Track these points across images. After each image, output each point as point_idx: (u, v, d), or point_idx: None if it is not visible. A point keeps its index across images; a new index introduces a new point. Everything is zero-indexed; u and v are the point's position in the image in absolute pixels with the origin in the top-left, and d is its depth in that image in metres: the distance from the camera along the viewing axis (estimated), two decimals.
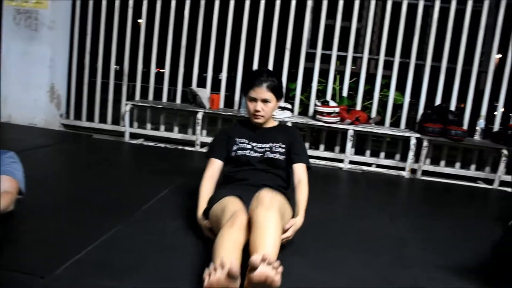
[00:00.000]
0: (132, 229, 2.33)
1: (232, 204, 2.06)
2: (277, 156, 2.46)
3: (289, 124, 4.61)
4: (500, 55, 5.23)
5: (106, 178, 3.38)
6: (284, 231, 2.07)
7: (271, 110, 2.49)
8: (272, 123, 2.62)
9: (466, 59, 5.07)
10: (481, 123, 4.97)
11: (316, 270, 2.08)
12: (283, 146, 2.50)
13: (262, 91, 2.41)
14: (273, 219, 1.84)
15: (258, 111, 2.44)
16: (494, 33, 4.97)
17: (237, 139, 2.50)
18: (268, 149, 2.46)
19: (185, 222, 2.45)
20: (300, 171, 2.47)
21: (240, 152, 2.45)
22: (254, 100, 2.44)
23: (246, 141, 2.49)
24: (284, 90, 2.61)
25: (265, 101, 2.43)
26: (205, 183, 2.43)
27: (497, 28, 4.93)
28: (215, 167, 2.49)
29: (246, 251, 1.79)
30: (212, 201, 2.23)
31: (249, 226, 1.89)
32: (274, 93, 2.44)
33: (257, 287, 1.50)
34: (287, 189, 2.52)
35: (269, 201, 1.93)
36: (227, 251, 1.69)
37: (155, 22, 5.24)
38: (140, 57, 5.33)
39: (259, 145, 2.48)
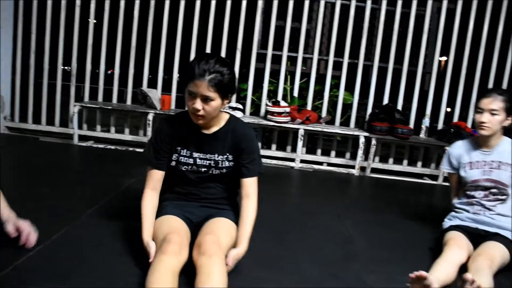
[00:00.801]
0: (78, 233, 2.28)
1: (168, 226, 1.96)
2: (224, 171, 2.12)
3: None
4: (445, 58, 5.44)
5: (52, 181, 3.28)
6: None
7: (214, 110, 1.94)
8: (219, 123, 2.10)
9: (411, 61, 5.26)
10: (426, 122, 5.16)
11: (263, 267, 2.11)
12: (230, 157, 2.11)
13: (203, 86, 1.86)
14: (217, 268, 1.70)
15: (197, 110, 1.91)
16: (437, 36, 5.18)
17: (178, 148, 2.10)
18: (213, 164, 2.10)
19: (133, 225, 2.39)
20: (248, 185, 2.10)
21: (180, 167, 2.11)
22: (193, 96, 1.90)
23: (188, 152, 2.10)
24: (236, 84, 2.05)
25: (206, 99, 1.89)
26: (148, 199, 2.09)
27: (439, 31, 5.15)
28: (156, 178, 2.12)
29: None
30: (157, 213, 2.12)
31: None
32: (219, 91, 1.89)
33: None
34: (236, 195, 2.29)
35: (212, 249, 1.77)
36: (159, 282, 1.62)
37: (104, 21, 5.13)
38: (88, 58, 5.20)
39: (203, 156, 2.10)
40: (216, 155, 2.10)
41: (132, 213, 2.51)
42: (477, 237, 2.38)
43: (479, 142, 2.56)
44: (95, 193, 3.01)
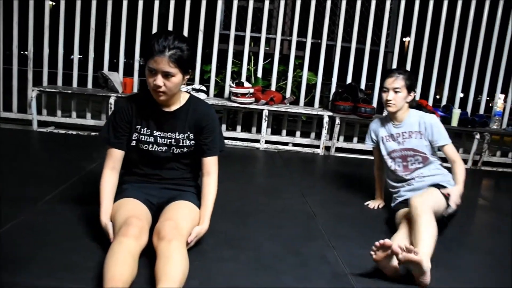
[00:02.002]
0: (35, 219, 2.22)
1: (128, 209, 1.93)
2: (185, 150, 2.11)
3: None
4: (408, 38, 5.50)
5: (9, 168, 3.17)
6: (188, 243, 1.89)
7: (175, 86, 1.94)
8: (179, 101, 2.09)
9: (373, 40, 5.32)
10: None
11: (224, 246, 2.11)
12: (192, 136, 2.11)
13: (164, 62, 1.85)
14: (177, 252, 1.67)
15: (158, 86, 1.89)
16: (398, 16, 5.24)
17: (138, 127, 2.08)
18: (174, 143, 2.09)
19: (91, 210, 2.32)
20: (209, 164, 2.13)
21: (141, 145, 2.08)
22: (154, 72, 1.89)
23: (149, 131, 2.07)
24: (196, 62, 1.99)
25: (167, 75, 1.89)
26: (107, 179, 2.07)
27: (400, 11, 5.21)
28: (115, 157, 2.09)
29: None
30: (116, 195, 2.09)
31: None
32: (180, 67, 1.89)
33: None
34: (197, 177, 2.27)
35: (172, 234, 1.75)
36: (118, 264, 1.60)
37: (61, 2, 4.96)
38: (46, 41, 5.03)
39: (163, 134, 2.08)
40: (176, 134, 2.09)
41: (93, 197, 2.45)
42: None
43: (391, 117, 2.80)
44: (55, 178, 2.93)
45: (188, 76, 2.00)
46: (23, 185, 2.79)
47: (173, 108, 2.08)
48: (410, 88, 2.67)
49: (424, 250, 1.90)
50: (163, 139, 2.08)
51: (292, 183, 3.58)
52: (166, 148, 2.09)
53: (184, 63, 1.91)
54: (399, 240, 2.09)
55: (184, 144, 2.10)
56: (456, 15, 5.22)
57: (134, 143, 2.09)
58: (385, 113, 4.97)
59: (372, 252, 1.82)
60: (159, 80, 1.89)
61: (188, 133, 2.10)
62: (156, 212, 2.04)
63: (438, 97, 7.05)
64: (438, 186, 2.54)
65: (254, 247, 2.16)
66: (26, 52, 5.05)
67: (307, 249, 2.20)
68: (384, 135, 2.82)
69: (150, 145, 2.08)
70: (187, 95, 2.13)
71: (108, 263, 1.59)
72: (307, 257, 2.09)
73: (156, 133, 2.08)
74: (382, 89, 2.70)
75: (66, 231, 2.10)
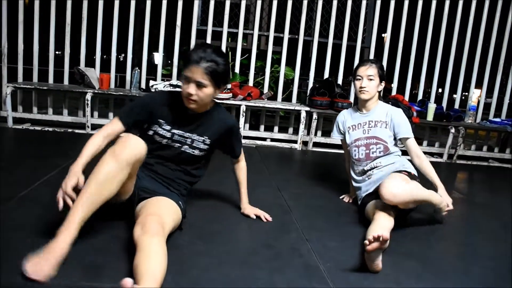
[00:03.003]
0: (6, 216, 2.19)
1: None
2: (196, 152, 2.20)
3: None
4: (386, 34, 5.56)
5: None
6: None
7: (207, 97, 2.04)
8: (206, 107, 2.18)
9: (350, 36, 5.37)
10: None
11: (200, 241, 2.12)
12: (207, 142, 2.21)
13: (198, 73, 1.95)
14: (158, 247, 1.68)
15: (190, 94, 1.99)
16: (374, 11, 5.30)
17: (161, 120, 2.15)
18: (188, 142, 2.18)
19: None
20: (240, 158, 2.55)
21: (156, 137, 2.16)
22: (188, 80, 1.99)
23: (169, 127, 2.15)
24: (229, 75, 2.22)
25: (199, 85, 1.98)
26: (95, 141, 2.04)
27: (376, 7, 5.27)
28: (115, 129, 2.11)
29: None
30: None
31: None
32: (213, 79, 1.99)
33: None
34: (193, 183, 2.36)
35: (155, 229, 1.76)
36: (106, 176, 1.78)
37: None
38: (20, 36, 4.95)
39: (182, 133, 2.16)
40: (195, 135, 2.18)
41: None
42: None
43: (359, 107, 2.89)
44: (28, 176, 2.89)
45: (219, 90, 2.11)
46: None
47: (200, 111, 2.17)
48: (382, 77, 2.76)
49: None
50: (179, 137, 2.17)
51: (269, 178, 3.60)
52: (179, 145, 2.18)
53: (217, 77, 2.00)
54: (377, 230, 2.10)
55: (197, 146, 2.19)
56: (431, 10, 5.30)
57: (151, 132, 2.17)
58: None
59: (367, 242, 1.82)
60: (192, 89, 1.99)
61: (206, 137, 2.20)
62: (139, 199, 2.08)
63: (414, 92, 7.15)
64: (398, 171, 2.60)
65: (228, 241, 2.17)
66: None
67: (281, 242, 2.22)
68: (351, 124, 2.88)
69: (165, 140, 2.17)
70: (213, 103, 2.23)
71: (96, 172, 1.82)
72: (280, 250, 2.12)
73: (175, 131, 2.16)
74: (356, 77, 2.76)
75: (36, 229, 2.08)
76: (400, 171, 2.60)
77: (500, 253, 2.38)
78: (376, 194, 2.61)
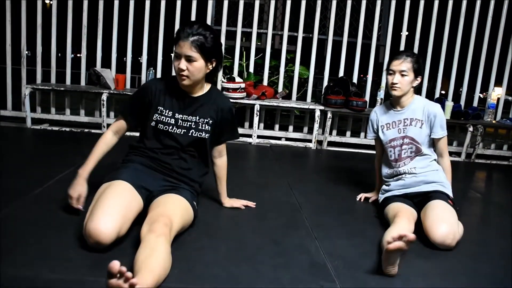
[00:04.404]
0: (20, 213, 2.24)
1: (112, 195, 1.94)
2: (203, 135, 2.21)
3: None
4: (406, 33, 5.49)
5: (0, 164, 3.20)
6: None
7: (198, 71, 2.06)
8: (202, 89, 2.23)
9: (365, 34, 5.32)
10: (381, 94, 5.23)
11: (207, 237, 2.13)
12: (210, 122, 2.22)
13: (187, 47, 2.00)
14: (163, 246, 1.67)
15: (182, 70, 2.04)
16: (390, 9, 5.24)
17: (160, 108, 2.17)
18: (193, 126, 2.19)
19: None
20: (222, 148, 2.47)
21: (161, 126, 2.16)
22: (178, 56, 2.04)
23: (171, 113, 2.17)
24: (222, 51, 2.24)
25: (189, 59, 2.02)
26: (105, 139, 2.23)
27: (391, 4, 5.21)
28: (122, 126, 2.26)
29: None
30: (108, 174, 2.13)
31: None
32: (202, 52, 2.02)
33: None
34: (203, 174, 2.36)
35: (162, 230, 1.75)
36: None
37: (53, 1, 4.98)
38: (38, 39, 5.05)
39: (184, 117, 2.18)
40: (197, 117, 2.20)
41: None
42: (411, 199, 2.56)
43: (393, 103, 2.70)
44: (44, 174, 2.95)
45: (211, 65, 2.13)
46: (12, 180, 2.80)
47: (197, 94, 2.22)
48: (418, 72, 2.55)
49: None
50: (183, 122, 2.19)
51: (281, 176, 3.59)
52: (185, 131, 2.19)
53: (206, 49, 2.03)
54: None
55: (203, 128, 2.21)
56: (448, 7, 5.21)
57: (153, 123, 2.18)
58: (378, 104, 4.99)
59: (390, 240, 1.73)
60: (183, 64, 2.04)
61: (208, 118, 2.22)
62: (152, 199, 2.08)
63: (443, 92, 7.03)
64: (439, 193, 2.48)
65: (236, 237, 2.17)
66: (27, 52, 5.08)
67: (289, 239, 2.21)
68: (385, 123, 2.70)
69: (170, 127, 2.17)
70: (209, 86, 2.28)
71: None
72: (288, 247, 2.11)
73: (177, 115, 2.18)
74: (388, 71, 2.57)
75: (49, 224, 2.12)
76: (444, 195, 2.47)
77: None
78: (402, 197, 2.55)
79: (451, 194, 2.53)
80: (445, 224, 2.21)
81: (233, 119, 2.39)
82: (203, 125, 2.20)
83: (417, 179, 2.57)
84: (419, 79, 2.58)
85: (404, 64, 2.51)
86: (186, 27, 2.03)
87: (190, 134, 2.19)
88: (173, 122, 2.17)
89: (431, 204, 2.38)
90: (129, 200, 1.97)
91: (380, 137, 2.74)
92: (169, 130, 2.17)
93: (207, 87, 2.25)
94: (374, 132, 2.80)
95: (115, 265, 1.30)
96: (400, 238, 1.71)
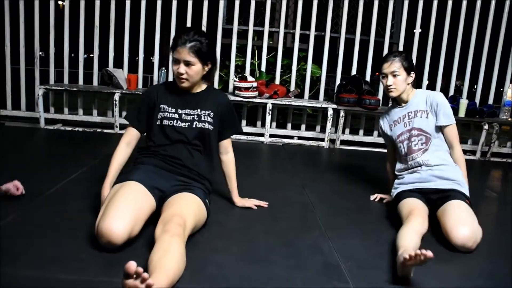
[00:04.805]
0: (32, 213, 2.25)
1: (127, 195, 1.96)
2: (206, 125, 2.28)
3: None
4: (419, 30, 5.43)
5: (13, 164, 3.22)
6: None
7: (196, 74, 2.23)
8: (201, 87, 2.38)
9: (378, 31, 5.26)
10: None
11: (219, 238, 2.12)
12: (212, 114, 2.32)
13: (185, 53, 2.16)
14: (177, 247, 1.68)
15: (181, 73, 2.20)
16: (403, 6, 5.18)
17: (163, 106, 2.28)
18: (196, 118, 2.28)
19: (91, 203, 2.38)
20: (226, 144, 2.50)
21: (165, 122, 2.25)
22: (177, 62, 2.21)
23: (173, 109, 2.28)
24: (216, 54, 2.41)
25: (188, 63, 2.18)
26: (119, 151, 2.29)
27: (404, 2, 5.15)
28: (133, 134, 2.33)
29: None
30: (120, 176, 2.18)
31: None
32: (199, 57, 2.18)
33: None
34: (211, 171, 2.39)
35: (177, 230, 1.77)
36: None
37: (65, 2, 5.00)
38: (51, 40, 5.08)
39: (187, 111, 2.28)
40: (199, 110, 2.31)
41: (94, 191, 2.47)
42: (424, 196, 2.52)
43: (397, 101, 2.75)
44: (57, 174, 2.96)
45: (208, 67, 2.29)
46: (24, 181, 2.80)
47: (196, 91, 2.37)
48: (409, 68, 2.60)
49: None
50: (187, 116, 2.28)
51: (294, 176, 3.57)
52: (189, 123, 2.27)
53: (202, 54, 2.20)
54: (412, 241, 1.99)
55: (206, 120, 2.30)
56: (462, 3, 5.13)
57: (158, 122, 2.27)
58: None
59: (408, 257, 1.68)
60: (182, 68, 2.20)
61: (210, 111, 2.33)
62: (165, 199, 2.10)
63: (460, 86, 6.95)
64: (458, 193, 2.44)
65: (248, 238, 2.16)
66: (41, 53, 5.12)
67: (302, 240, 2.19)
68: (392, 121, 2.75)
69: (175, 121, 2.26)
70: (206, 85, 2.42)
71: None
72: (301, 247, 2.09)
73: (180, 111, 2.29)
74: (381, 75, 2.64)
75: (62, 225, 2.13)
76: (461, 194, 2.44)
77: None
78: (418, 193, 2.52)
79: (468, 194, 2.49)
80: (466, 226, 2.17)
81: (233, 112, 2.49)
82: (205, 117, 2.30)
83: (433, 173, 2.54)
84: (412, 74, 2.63)
85: (393, 65, 2.57)
86: (183, 34, 2.18)
87: (194, 126, 2.27)
88: (177, 117, 2.27)
89: (451, 204, 2.33)
90: (142, 200, 1.99)
91: (391, 138, 2.77)
92: (174, 124, 2.26)
93: (204, 86, 2.40)
94: (385, 133, 2.85)
95: (132, 265, 1.31)
96: (418, 256, 1.66)
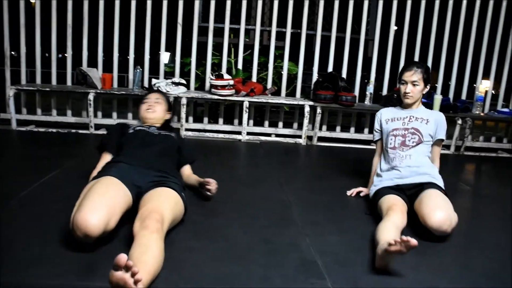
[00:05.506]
0: (4, 216, 2.19)
1: (102, 188, 1.96)
2: (170, 133, 2.61)
3: (183, 100, 4.60)
4: (395, 27, 5.47)
5: None
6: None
7: (161, 113, 2.73)
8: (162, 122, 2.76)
9: (353, 28, 5.30)
10: (370, 88, 5.23)
11: (194, 237, 2.10)
12: (173, 135, 2.64)
13: (153, 98, 2.76)
14: (157, 243, 1.68)
15: (149, 112, 2.69)
16: (378, 3, 5.22)
17: (134, 125, 2.61)
18: (162, 133, 2.57)
19: (65, 206, 2.27)
20: (189, 170, 2.75)
21: (138, 127, 2.54)
22: (147, 103, 2.71)
23: (143, 126, 2.59)
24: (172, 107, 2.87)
25: (156, 105, 2.72)
26: (99, 165, 2.38)
27: None
28: (106, 159, 2.43)
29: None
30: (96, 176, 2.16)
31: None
32: (168, 103, 2.83)
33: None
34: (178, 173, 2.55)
35: (155, 226, 1.76)
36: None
37: (36, 0, 4.90)
38: (22, 40, 4.97)
39: (153, 130, 2.57)
40: (162, 131, 2.61)
41: (68, 193, 2.41)
42: (403, 192, 2.57)
43: (403, 107, 2.87)
44: (30, 176, 2.89)
45: (169, 113, 2.81)
46: None
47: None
48: (427, 81, 2.73)
49: None
50: (140, 127, 2.58)
51: (272, 173, 3.56)
52: (156, 133, 2.53)
53: (169, 103, 2.86)
54: (392, 234, 1.99)
55: (169, 134, 2.60)
56: (435, 1, 5.21)
57: (132, 130, 2.51)
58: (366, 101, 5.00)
59: (393, 242, 1.73)
60: (150, 108, 2.71)
61: (171, 133, 2.65)
62: (141, 194, 2.09)
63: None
64: (433, 184, 2.53)
65: (224, 237, 2.14)
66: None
67: (279, 237, 2.18)
68: (390, 117, 2.86)
69: (147, 127, 2.57)
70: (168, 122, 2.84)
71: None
72: (278, 245, 2.08)
73: (148, 129, 2.57)
74: (400, 81, 2.75)
75: (35, 228, 2.08)
76: (437, 186, 2.53)
77: (502, 244, 2.33)
78: (396, 190, 2.57)
79: (443, 187, 2.58)
80: (442, 210, 2.26)
81: (187, 144, 2.88)
82: (154, 129, 2.58)
83: (411, 169, 2.63)
84: (428, 86, 2.77)
85: (415, 75, 2.68)
86: (152, 91, 2.96)
87: (159, 133, 2.54)
88: (147, 128, 2.57)
89: (427, 193, 2.43)
90: (118, 194, 1.98)
91: (383, 130, 2.88)
92: (145, 129, 2.54)
93: (165, 123, 2.78)
94: (380, 131, 2.94)
95: (123, 258, 1.33)
96: (404, 242, 1.71)
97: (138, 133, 2.48)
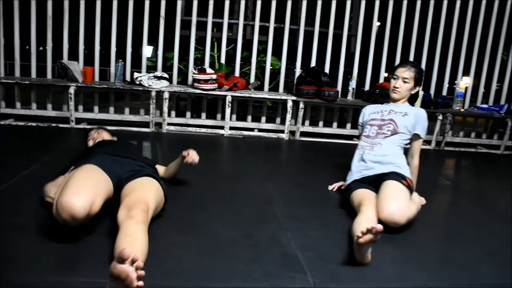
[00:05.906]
0: None
1: (90, 176, 1.97)
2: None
3: (166, 94, 4.57)
4: (378, 23, 5.50)
5: None
6: None
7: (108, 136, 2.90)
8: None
9: (336, 24, 5.31)
10: (352, 84, 5.26)
11: (176, 232, 2.09)
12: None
13: (105, 134, 2.88)
14: (143, 234, 1.70)
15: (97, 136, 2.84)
16: None
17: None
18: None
19: (43, 200, 2.28)
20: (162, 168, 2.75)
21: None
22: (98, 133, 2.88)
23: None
24: None
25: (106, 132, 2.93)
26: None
27: None
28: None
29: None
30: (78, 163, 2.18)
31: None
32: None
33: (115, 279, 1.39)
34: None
35: (141, 216, 1.78)
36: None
37: None
38: (0, 32, 4.86)
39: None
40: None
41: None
42: (370, 184, 2.63)
43: (387, 103, 2.93)
44: (8, 171, 2.84)
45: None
46: None
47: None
48: (418, 81, 2.79)
49: None
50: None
51: (254, 168, 3.57)
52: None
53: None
54: (365, 223, 2.03)
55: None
56: None
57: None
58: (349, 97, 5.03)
59: (360, 234, 1.76)
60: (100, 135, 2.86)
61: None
62: (122, 184, 2.09)
63: None
64: (394, 174, 2.56)
65: (206, 231, 2.14)
66: None
67: (261, 232, 2.19)
68: (372, 111, 2.91)
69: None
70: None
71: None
72: (260, 239, 2.09)
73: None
74: (393, 75, 2.81)
75: (14, 223, 2.05)
76: (398, 175, 2.55)
77: (481, 237, 2.38)
78: (364, 183, 2.62)
79: (407, 174, 2.61)
80: (394, 201, 2.31)
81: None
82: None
83: (376, 158, 2.68)
84: (417, 88, 2.84)
85: (407, 73, 2.77)
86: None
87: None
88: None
89: (384, 184, 2.49)
90: (100, 179, 2.00)
91: (365, 120, 2.93)
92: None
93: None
94: (361, 123, 2.99)
95: (129, 251, 1.34)
96: (369, 231, 1.74)
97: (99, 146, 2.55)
